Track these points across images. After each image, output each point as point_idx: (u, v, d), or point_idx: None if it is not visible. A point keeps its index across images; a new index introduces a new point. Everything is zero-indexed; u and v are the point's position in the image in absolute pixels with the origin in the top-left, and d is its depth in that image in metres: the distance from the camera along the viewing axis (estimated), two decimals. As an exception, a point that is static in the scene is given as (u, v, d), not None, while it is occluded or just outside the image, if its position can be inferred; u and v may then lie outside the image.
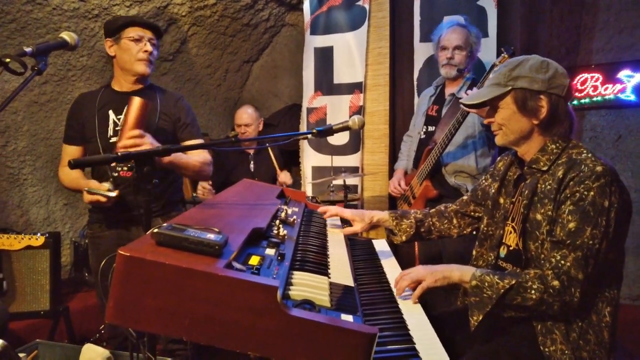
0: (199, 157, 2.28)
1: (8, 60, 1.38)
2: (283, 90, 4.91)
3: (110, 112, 2.22)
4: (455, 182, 2.71)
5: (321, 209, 2.12)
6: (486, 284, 1.41)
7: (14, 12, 2.82)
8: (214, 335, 0.97)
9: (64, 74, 3.24)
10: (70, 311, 2.83)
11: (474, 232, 1.88)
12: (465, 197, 1.91)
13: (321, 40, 3.88)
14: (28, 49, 1.47)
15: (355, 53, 3.73)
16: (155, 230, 1.05)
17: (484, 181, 1.83)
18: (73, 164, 1.28)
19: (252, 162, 3.81)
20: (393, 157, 3.62)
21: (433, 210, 1.97)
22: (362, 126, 1.69)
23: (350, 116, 3.75)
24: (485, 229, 1.73)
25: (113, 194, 2.02)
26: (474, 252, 1.75)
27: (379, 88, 3.68)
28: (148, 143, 1.92)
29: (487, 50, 3.09)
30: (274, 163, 3.80)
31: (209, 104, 4.63)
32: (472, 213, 1.87)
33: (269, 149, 3.88)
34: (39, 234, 2.13)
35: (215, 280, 0.96)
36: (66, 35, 1.63)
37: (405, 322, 1.35)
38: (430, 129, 2.86)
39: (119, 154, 1.31)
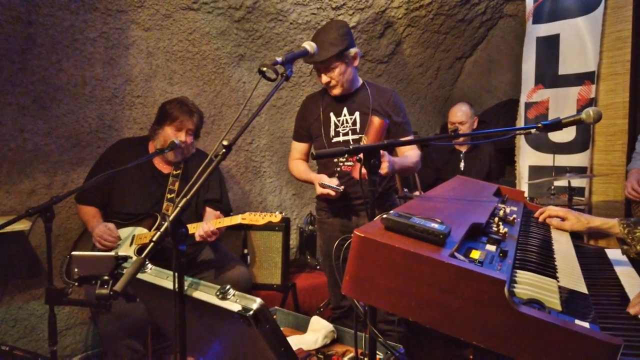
0: (413, 157, 2.38)
1: (265, 69, 1.64)
2: (497, 86, 4.66)
3: (332, 114, 2.47)
4: None
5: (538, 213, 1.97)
6: None
7: (261, 30, 3.35)
8: (438, 319, 1.01)
9: (296, 81, 3.70)
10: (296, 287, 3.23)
11: None
12: None
13: (545, 29, 3.56)
14: (279, 59, 1.70)
15: (586, 39, 3.33)
16: (385, 216, 1.14)
17: None
18: (315, 156, 1.48)
19: (462, 160, 3.73)
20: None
21: None
22: (598, 119, 1.51)
23: (577, 110, 3.39)
24: None
25: (341, 188, 2.26)
26: None
27: (617, 77, 3.21)
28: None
29: None
30: (487, 162, 3.66)
31: (419, 102, 4.70)
32: None
33: (483, 147, 3.75)
34: (277, 212, 2.45)
35: (441, 267, 1.00)
36: (307, 45, 1.88)
37: (653, 343, 1.17)
38: None
39: (350, 147, 1.46)
